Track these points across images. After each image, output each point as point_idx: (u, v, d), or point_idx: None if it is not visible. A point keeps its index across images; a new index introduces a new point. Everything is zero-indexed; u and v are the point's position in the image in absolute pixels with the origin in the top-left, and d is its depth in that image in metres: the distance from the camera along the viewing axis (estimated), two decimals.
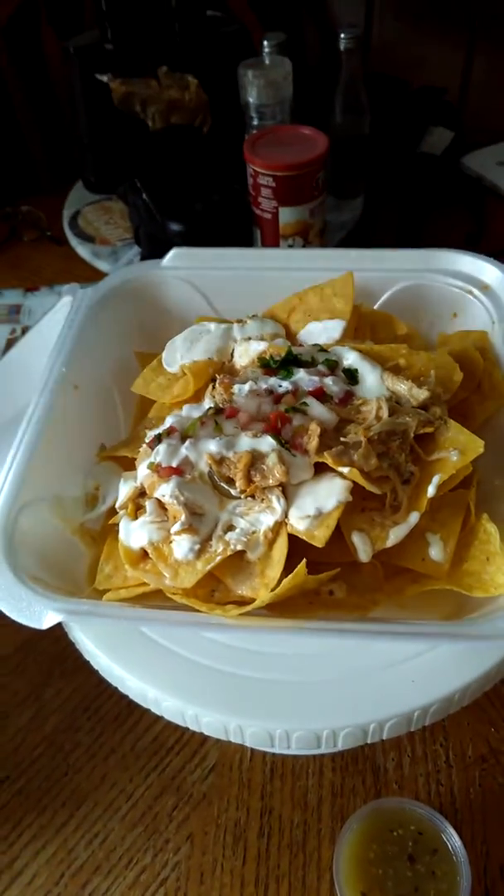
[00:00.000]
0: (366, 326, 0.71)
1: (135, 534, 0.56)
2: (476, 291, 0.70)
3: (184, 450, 0.57)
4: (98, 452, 0.67)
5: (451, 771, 0.69)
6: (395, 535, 0.54)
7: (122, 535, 0.57)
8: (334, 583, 0.57)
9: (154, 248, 0.79)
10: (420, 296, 0.74)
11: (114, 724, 0.74)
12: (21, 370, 0.71)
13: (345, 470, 0.53)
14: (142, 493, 0.59)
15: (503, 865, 0.64)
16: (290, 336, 0.71)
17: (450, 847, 0.62)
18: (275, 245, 1.06)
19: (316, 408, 0.57)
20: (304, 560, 0.51)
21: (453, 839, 0.62)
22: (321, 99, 1.16)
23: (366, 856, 0.62)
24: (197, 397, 0.65)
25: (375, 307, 0.74)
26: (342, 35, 1.07)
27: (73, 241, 1.23)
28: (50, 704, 0.75)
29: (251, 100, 1.06)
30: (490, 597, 0.53)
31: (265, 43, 1.09)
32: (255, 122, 1.09)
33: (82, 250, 1.21)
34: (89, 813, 0.68)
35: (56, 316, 0.74)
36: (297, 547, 0.55)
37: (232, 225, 1.08)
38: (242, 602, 0.53)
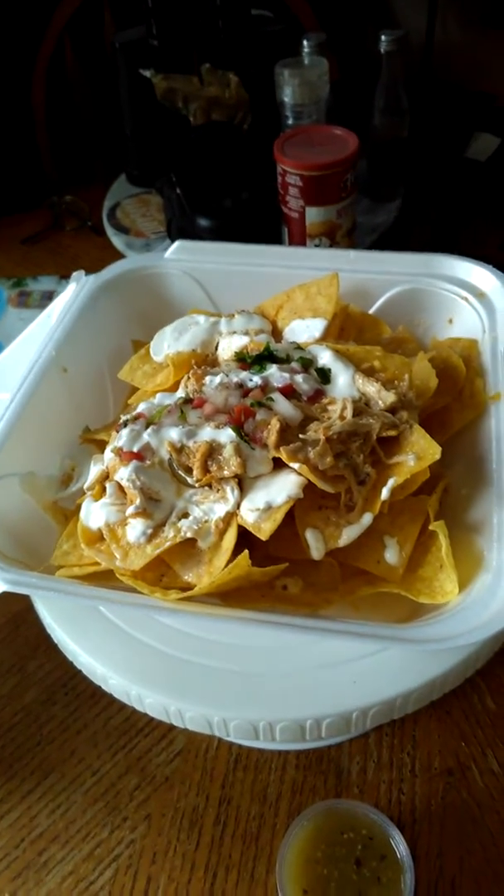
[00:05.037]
0: (353, 328, 0.70)
1: (94, 514, 0.57)
2: (472, 298, 0.69)
3: (146, 436, 0.58)
4: (81, 434, 0.69)
5: (415, 781, 0.69)
6: (347, 535, 0.54)
7: (82, 515, 0.58)
8: (289, 578, 0.57)
9: None
10: (417, 300, 0.73)
11: (89, 702, 0.75)
12: (27, 353, 0.74)
13: (297, 466, 0.53)
14: (108, 476, 0.60)
15: (455, 880, 0.63)
16: (277, 333, 0.71)
17: (398, 854, 0.61)
18: (301, 244, 1.06)
19: (281, 403, 0.57)
20: (246, 551, 0.51)
21: (401, 847, 0.61)
22: (363, 99, 1.16)
23: (313, 854, 0.62)
24: (177, 387, 0.66)
25: (372, 310, 0.73)
26: (382, 37, 1.07)
27: (109, 232, 1.26)
28: (32, 677, 0.78)
29: (286, 99, 1.06)
30: (437, 604, 0.53)
31: (305, 42, 1.09)
32: (290, 122, 1.09)
33: (117, 241, 1.24)
34: (55, 784, 0.70)
35: (62, 302, 0.77)
36: (259, 541, 0.55)
37: (260, 223, 1.08)
38: (188, 588, 0.53)
